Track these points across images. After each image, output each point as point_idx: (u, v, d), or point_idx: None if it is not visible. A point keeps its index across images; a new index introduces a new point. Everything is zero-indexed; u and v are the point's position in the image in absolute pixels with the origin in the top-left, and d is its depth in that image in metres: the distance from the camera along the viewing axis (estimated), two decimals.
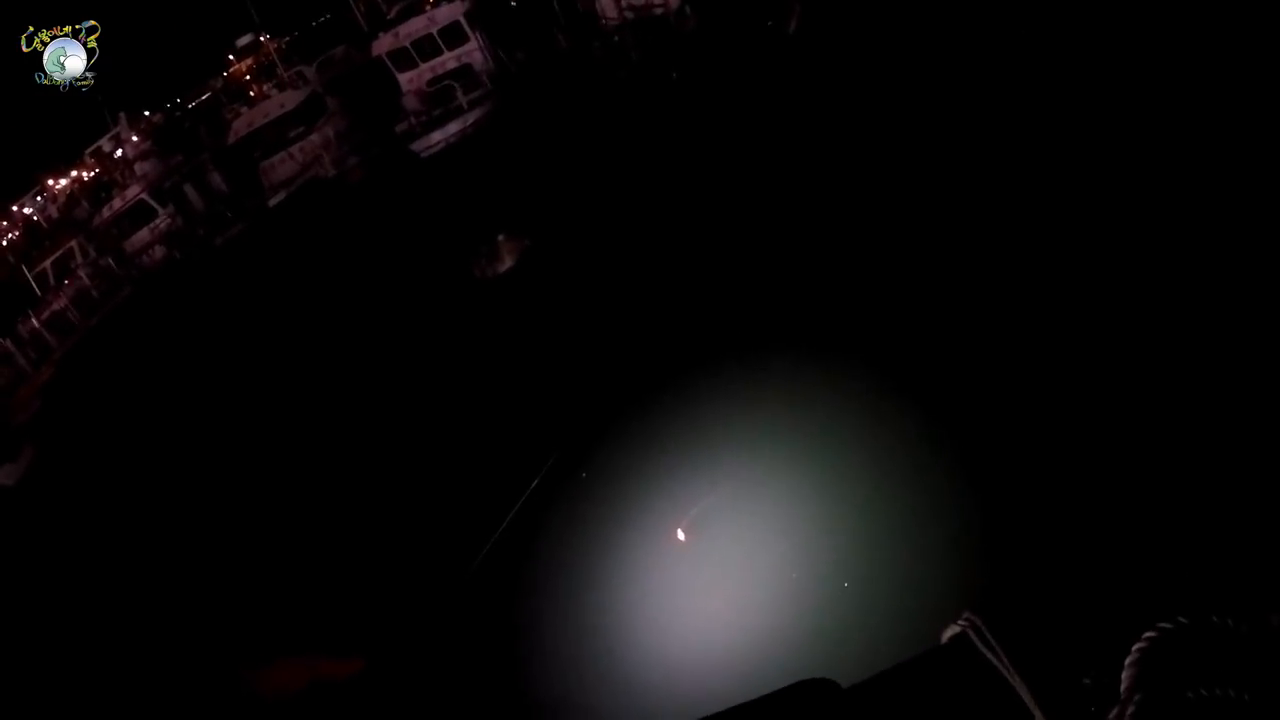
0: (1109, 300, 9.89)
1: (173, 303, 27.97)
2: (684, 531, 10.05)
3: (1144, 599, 1.90)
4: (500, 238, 21.99)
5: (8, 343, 30.03)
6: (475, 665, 9.84)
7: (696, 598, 9.21)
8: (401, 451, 14.01)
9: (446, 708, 9.72)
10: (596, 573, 10.12)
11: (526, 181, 22.73)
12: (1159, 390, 8.39)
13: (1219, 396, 7.91)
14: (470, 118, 29.53)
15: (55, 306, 31.30)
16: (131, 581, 14.82)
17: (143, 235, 34.08)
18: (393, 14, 34.39)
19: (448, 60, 32.03)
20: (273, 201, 32.00)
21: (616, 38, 29.32)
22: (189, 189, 36.06)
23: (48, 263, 34.29)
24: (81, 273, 32.81)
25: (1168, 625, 1.75)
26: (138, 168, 35.44)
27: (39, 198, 44.15)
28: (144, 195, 34.20)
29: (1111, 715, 1.70)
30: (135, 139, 38.05)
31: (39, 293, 33.25)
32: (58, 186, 43.34)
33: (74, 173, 43.89)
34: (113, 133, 38.69)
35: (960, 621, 2.07)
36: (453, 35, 32.06)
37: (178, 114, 47.44)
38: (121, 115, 38.57)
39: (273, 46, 40.85)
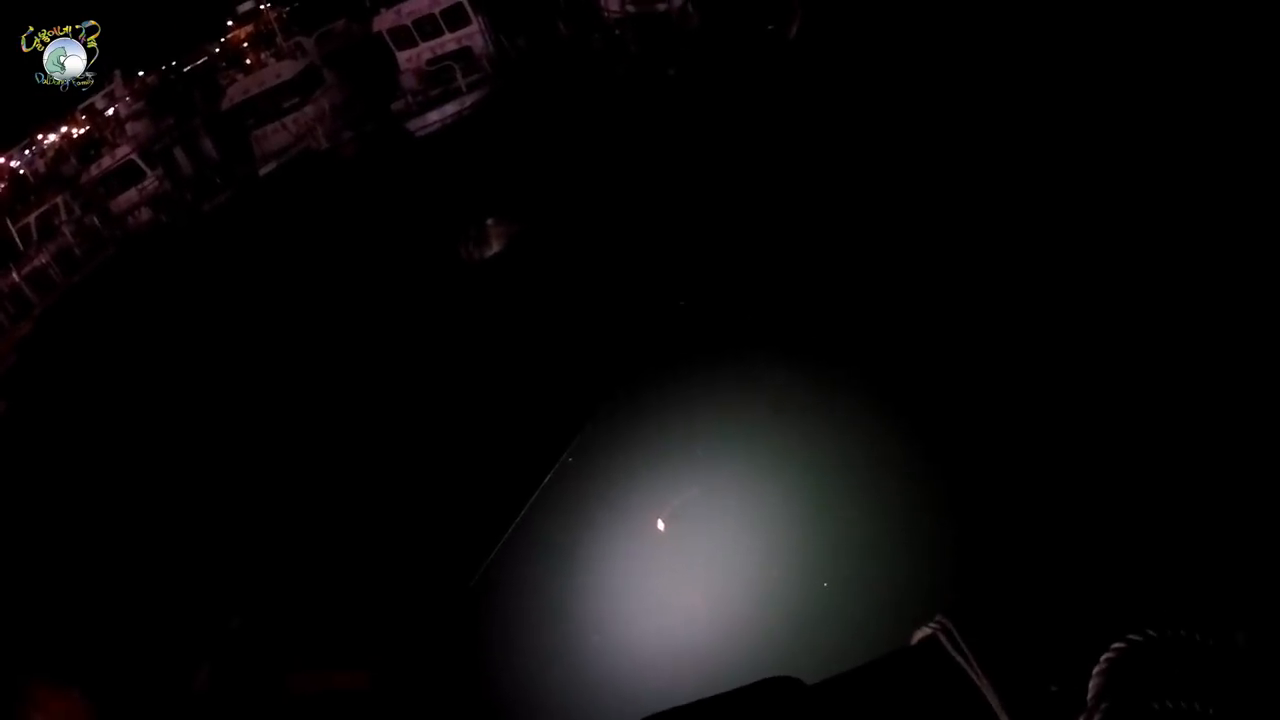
0: (1084, 314, 9.98)
1: (156, 266, 27.77)
2: (664, 522, 10.07)
3: (1113, 611, 1.92)
4: (489, 222, 21.93)
5: None
6: (475, 666, 9.81)
7: (674, 591, 9.22)
8: (396, 452, 13.63)
9: (447, 711, 9.70)
10: (579, 561, 10.12)
11: (519, 168, 22.66)
12: (1134, 405, 8.48)
13: (1192, 415, 8.01)
14: (467, 100, 29.42)
15: (37, 262, 31.04)
16: (105, 566, 14.50)
17: (130, 196, 33.86)
18: None
19: (448, 41, 31.94)
20: (263, 171, 31.79)
21: (618, 31, 29.32)
22: (179, 153, 35.86)
23: (32, 217, 33.96)
24: (65, 230, 32.52)
25: (1136, 637, 1.77)
26: (129, 127, 35.22)
27: (27, 151, 43.67)
28: (133, 156, 33.99)
29: None
30: (129, 98, 37.70)
31: (21, 247, 32.90)
32: (47, 141, 42.89)
33: (64, 128, 43.45)
34: (106, 90, 38.30)
35: (932, 624, 2.09)
36: (455, 16, 31.99)
37: (173, 76, 47.00)
38: (116, 73, 38.19)
39: (273, 15, 40.53)
